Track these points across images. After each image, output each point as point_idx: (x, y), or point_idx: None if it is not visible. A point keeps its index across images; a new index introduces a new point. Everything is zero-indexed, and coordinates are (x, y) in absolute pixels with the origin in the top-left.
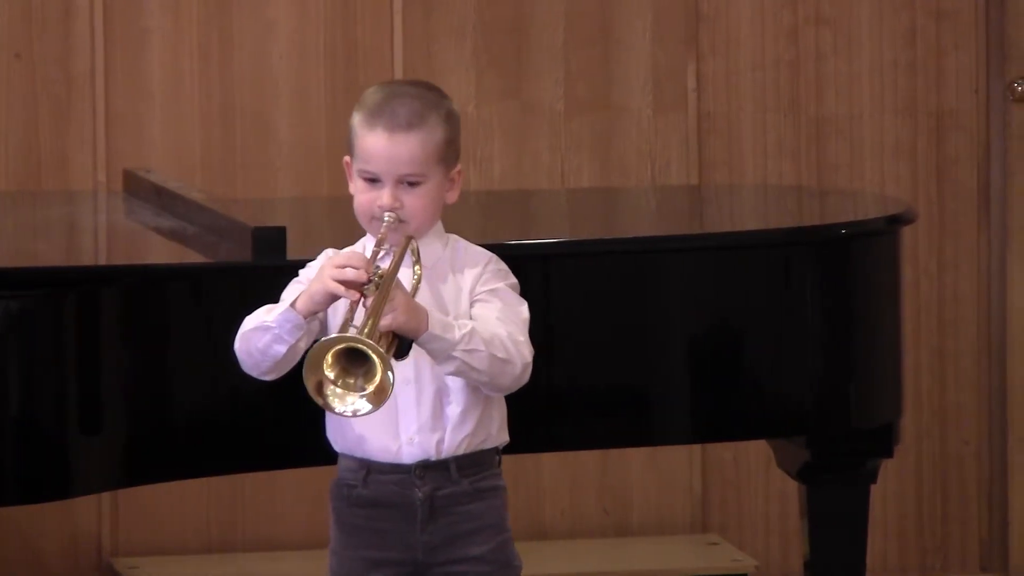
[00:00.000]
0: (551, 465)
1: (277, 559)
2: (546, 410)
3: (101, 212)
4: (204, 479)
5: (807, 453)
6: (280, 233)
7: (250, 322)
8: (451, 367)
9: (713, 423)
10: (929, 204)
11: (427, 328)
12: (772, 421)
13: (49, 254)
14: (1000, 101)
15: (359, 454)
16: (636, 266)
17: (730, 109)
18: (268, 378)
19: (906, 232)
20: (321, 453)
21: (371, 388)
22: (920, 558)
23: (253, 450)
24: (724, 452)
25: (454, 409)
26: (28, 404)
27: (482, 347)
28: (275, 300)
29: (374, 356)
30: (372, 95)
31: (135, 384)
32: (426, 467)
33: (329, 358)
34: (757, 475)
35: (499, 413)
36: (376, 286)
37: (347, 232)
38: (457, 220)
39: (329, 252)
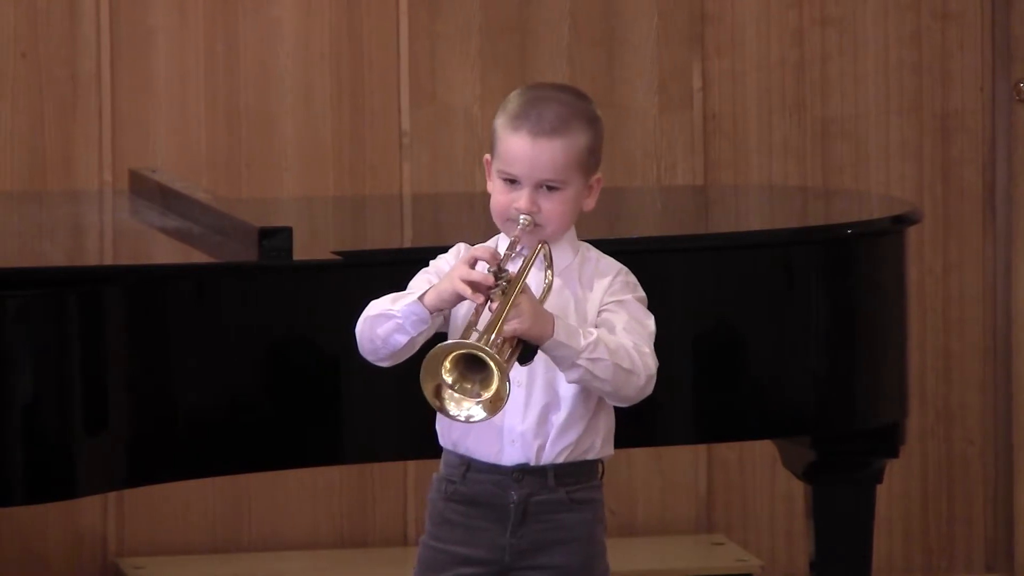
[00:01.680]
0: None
1: (282, 559)
2: None
3: (106, 212)
4: (209, 479)
5: (812, 453)
6: (286, 233)
7: (375, 307)
8: (575, 375)
9: (718, 423)
10: (934, 204)
11: (552, 335)
12: (777, 421)
13: (54, 254)
14: (1006, 101)
15: (462, 451)
16: (641, 266)
17: (735, 109)
18: (384, 364)
19: (911, 232)
20: (325, 452)
21: (487, 396)
22: (925, 558)
23: (258, 450)
24: (729, 452)
25: (559, 417)
26: (33, 404)
27: (607, 356)
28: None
29: (492, 365)
30: (517, 97)
31: (140, 384)
32: (524, 471)
33: (448, 363)
34: (762, 475)
35: (606, 426)
36: (503, 290)
37: (353, 232)
38: (462, 221)
39: (461, 247)
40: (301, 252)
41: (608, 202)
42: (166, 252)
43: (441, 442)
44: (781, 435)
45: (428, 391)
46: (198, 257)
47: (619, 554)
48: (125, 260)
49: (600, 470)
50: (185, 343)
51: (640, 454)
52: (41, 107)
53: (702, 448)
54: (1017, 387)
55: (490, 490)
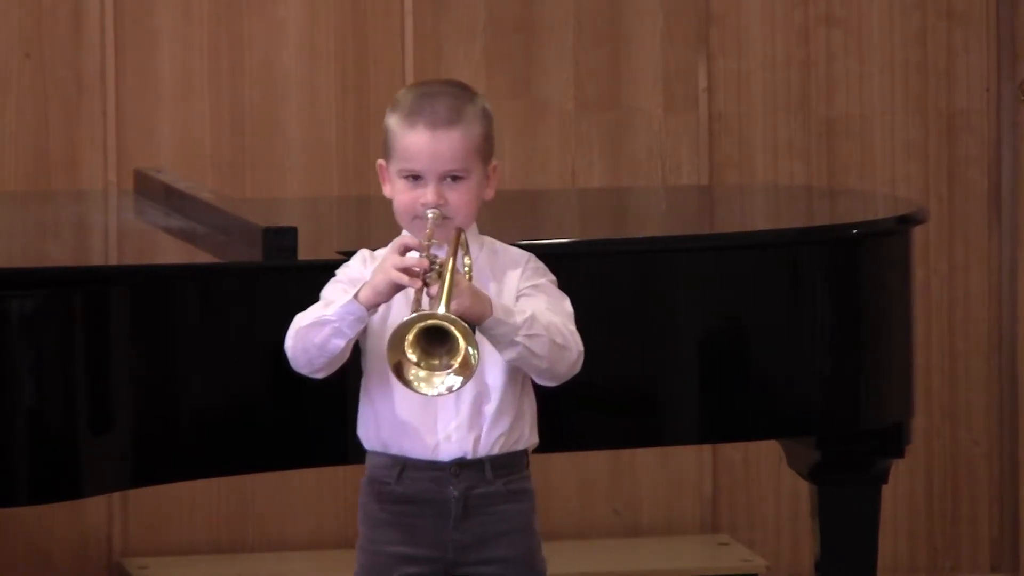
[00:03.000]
0: (561, 466)
1: (287, 559)
2: (555, 410)
3: (111, 212)
4: (214, 479)
5: (817, 453)
6: (291, 233)
7: (305, 318)
8: (513, 352)
9: (723, 423)
10: (940, 204)
11: (491, 313)
12: (782, 421)
13: (59, 254)
14: (1011, 101)
15: (394, 451)
16: (646, 266)
17: (741, 109)
18: (319, 376)
19: (917, 232)
20: (331, 453)
21: (457, 362)
22: (931, 558)
23: (263, 450)
24: (734, 452)
25: (491, 407)
26: (38, 404)
27: (543, 332)
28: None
29: (454, 329)
30: (407, 95)
31: (145, 384)
32: (462, 465)
33: (410, 337)
34: (767, 475)
35: (531, 413)
36: (438, 274)
37: (357, 231)
38: None
39: (365, 252)
40: (306, 252)
41: (613, 202)
42: (171, 252)
43: (368, 445)
44: (786, 435)
45: (391, 365)
46: (203, 257)
47: (624, 554)
48: (130, 260)
49: (527, 460)
50: (190, 343)
51: (645, 454)
52: (45, 107)
53: (707, 448)
54: (1022, 387)
55: (428, 487)
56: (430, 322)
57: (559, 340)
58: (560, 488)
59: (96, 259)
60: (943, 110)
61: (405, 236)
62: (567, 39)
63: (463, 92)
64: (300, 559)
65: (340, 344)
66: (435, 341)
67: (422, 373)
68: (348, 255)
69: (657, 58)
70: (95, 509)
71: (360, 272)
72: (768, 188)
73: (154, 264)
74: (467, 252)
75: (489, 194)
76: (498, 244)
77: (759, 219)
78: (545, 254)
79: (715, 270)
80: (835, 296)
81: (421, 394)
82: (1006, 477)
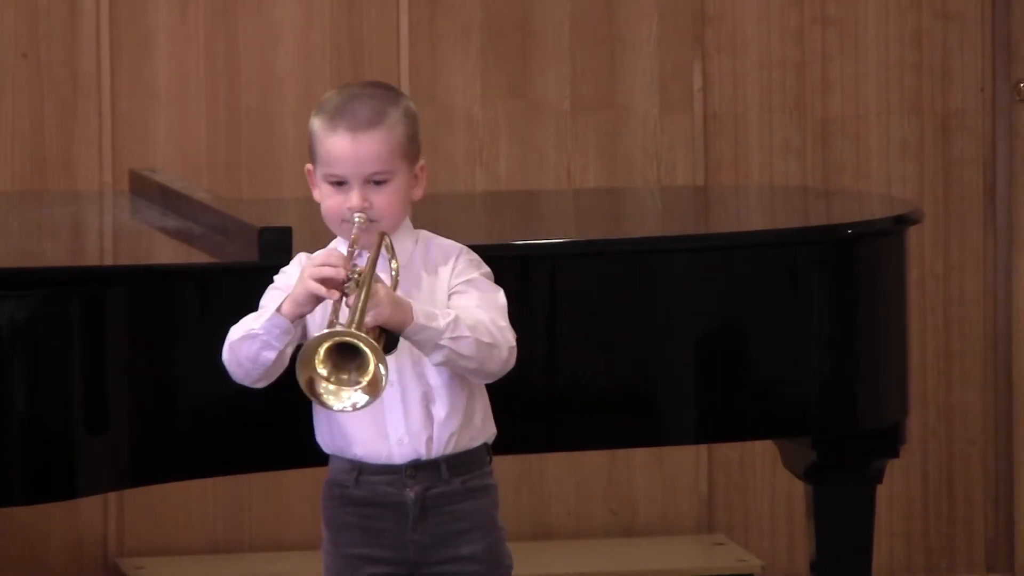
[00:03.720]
0: (557, 466)
1: (283, 559)
2: (551, 410)
3: (107, 212)
4: (210, 479)
5: (813, 453)
6: (286, 233)
7: (236, 332)
8: (440, 356)
9: (719, 423)
10: (935, 204)
11: (412, 320)
12: (778, 421)
13: (55, 254)
14: (1006, 101)
15: (349, 455)
16: (642, 266)
17: (736, 109)
18: (259, 386)
19: (912, 232)
20: (326, 453)
21: (365, 380)
22: (926, 558)
23: (259, 450)
24: (730, 452)
25: (439, 407)
26: (34, 404)
27: (468, 333)
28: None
29: (364, 348)
30: (330, 100)
31: (141, 384)
32: (417, 467)
33: (321, 353)
34: (763, 475)
35: (482, 406)
36: (357, 283)
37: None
38: (463, 220)
39: (302, 256)
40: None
41: (608, 202)
42: (167, 252)
43: (325, 449)
44: (782, 435)
45: (303, 384)
46: (199, 257)
47: (620, 554)
48: (126, 260)
49: (489, 456)
50: (186, 343)
51: (641, 454)
52: (42, 107)
53: (703, 448)
54: (1018, 387)
55: (385, 490)
56: (339, 339)
57: (486, 339)
58: (556, 488)
59: (92, 259)
60: (938, 111)
61: (321, 254)
62: (563, 39)
63: (386, 94)
64: (296, 559)
65: (271, 356)
66: (347, 356)
67: (331, 387)
68: None
69: (653, 58)
70: (91, 509)
71: (296, 277)
72: (763, 188)
73: (150, 264)
74: (393, 255)
75: (417, 194)
76: (434, 237)
77: (754, 219)
78: (541, 254)
79: (711, 270)
80: (830, 296)
81: (328, 408)
82: (1001, 477)
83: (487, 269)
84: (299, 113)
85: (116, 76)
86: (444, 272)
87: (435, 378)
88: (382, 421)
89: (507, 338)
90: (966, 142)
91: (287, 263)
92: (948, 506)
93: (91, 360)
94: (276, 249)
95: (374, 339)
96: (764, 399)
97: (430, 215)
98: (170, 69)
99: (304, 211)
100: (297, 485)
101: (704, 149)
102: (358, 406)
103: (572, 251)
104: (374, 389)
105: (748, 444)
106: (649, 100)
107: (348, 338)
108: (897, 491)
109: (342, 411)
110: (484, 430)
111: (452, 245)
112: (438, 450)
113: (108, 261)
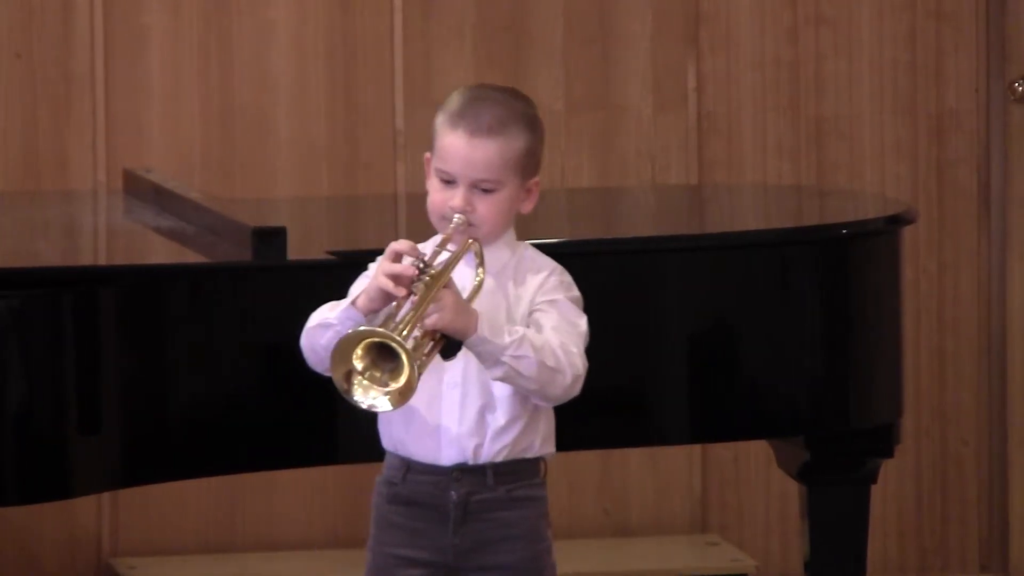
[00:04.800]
0: (551, 465)
1: (276, 559)
2: None
3: (101, 212)
4: (203, 479)
5: (807, 453)
6: (280, 233)
7: (314, 318)
8: (499, 372)
9: (712, 423)
10: (929, 204)
11: (476, 331)
12: (772, 421)
13: (48, 254)
14: (1000, 101)
15: (401, 452)
16: (635, 266)
17: (730, 109)
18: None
19: (906, 232)
20: (320, 453)
21: (395, 386)
22: (920, 558)
23: (252, 450)
24: (724, 452)
25: (497, 418)
26: (27, 404)
27: (531, 354)
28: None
29: (402, 354)
30: (459, 96)
31: (134, 384)
32: (463, 471)
33: (359, 349)
34: (757, 475)
35: (546, 425)
36: (426, 284)
37: (347, 231)
38: None
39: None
40: (295, 252)
41: (602, 201)
42: (160, 252)
43: (384, 444)
44: (776, 435)
45: (338, 376)
46: (192, 257)
47: (614, 554)
48: (119, 260)
49: (543, 469)
50: (179, 343)
51: (635, 454)
52: (35, 107)
53: (697, 448)
54: (1011, 387)
55: (429, 490)
56: (378, 340)
57: (550, 362)
58: (550, 487)
59: (86, 259)
60: (932, 110)
61: (397, 243)
62: (556, 39)
63: (514, 104)
64: (289, 559)
65: None
66: (386, 356)
67: (364, 381)
68: (337, 255)
69: (646, 58)
70: (85, 509)
71: None
72: (757, 188)
73: (144, 264)
74: (481, 263)
75: (527, 208)
76: (532, 250)
77: (748, 219)
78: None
79: (704, 270)
80: (824, 296)
81: (350, 399)
82: (995, 477)
83: (577, 294)
84: (292, 112)
85: (110, 76)
86: (531, 286)
87: (499, 390)
88: (437, 421)
89: (574, 364)
90: (960, 142)
91: (280, 263)
92: (942, 506)
93: (84, 360)
94: (270, 249)
95: (432, 343)
96: (758, 399)
97: (424, 214)
98: (164, 69)
99: (297, 211)
100: (290, 485)
101: (698, 148)
102: (376, 409)
103: (565, 251)
104: (401, 398)
105: (742, 444)
106: (643, 99)
107: (387, 340)
108: (891, 491)
109: (357, 405)
110: (541, 448)
111: (547, 262)
112: (487, 457)
113: (102, 261)
